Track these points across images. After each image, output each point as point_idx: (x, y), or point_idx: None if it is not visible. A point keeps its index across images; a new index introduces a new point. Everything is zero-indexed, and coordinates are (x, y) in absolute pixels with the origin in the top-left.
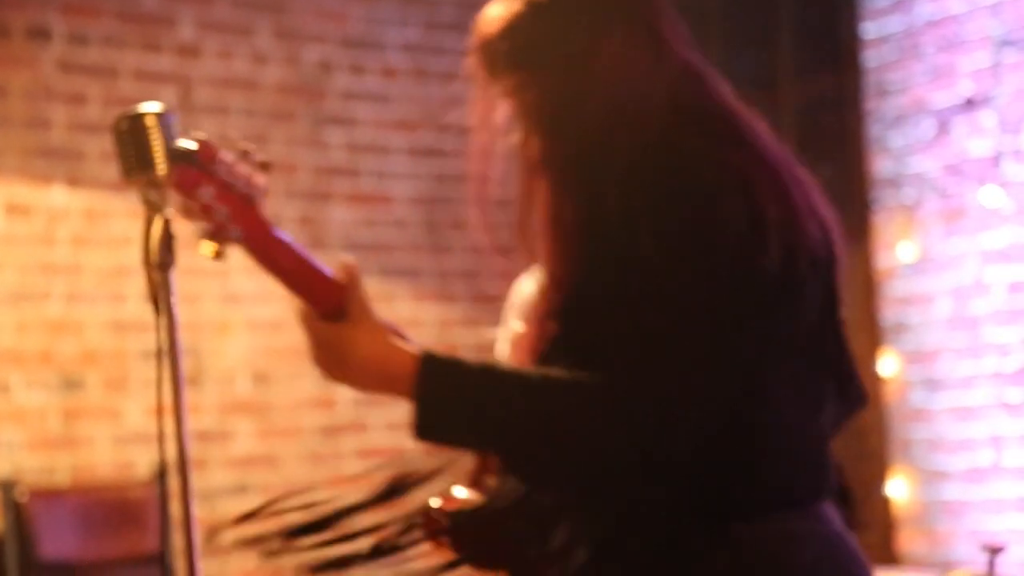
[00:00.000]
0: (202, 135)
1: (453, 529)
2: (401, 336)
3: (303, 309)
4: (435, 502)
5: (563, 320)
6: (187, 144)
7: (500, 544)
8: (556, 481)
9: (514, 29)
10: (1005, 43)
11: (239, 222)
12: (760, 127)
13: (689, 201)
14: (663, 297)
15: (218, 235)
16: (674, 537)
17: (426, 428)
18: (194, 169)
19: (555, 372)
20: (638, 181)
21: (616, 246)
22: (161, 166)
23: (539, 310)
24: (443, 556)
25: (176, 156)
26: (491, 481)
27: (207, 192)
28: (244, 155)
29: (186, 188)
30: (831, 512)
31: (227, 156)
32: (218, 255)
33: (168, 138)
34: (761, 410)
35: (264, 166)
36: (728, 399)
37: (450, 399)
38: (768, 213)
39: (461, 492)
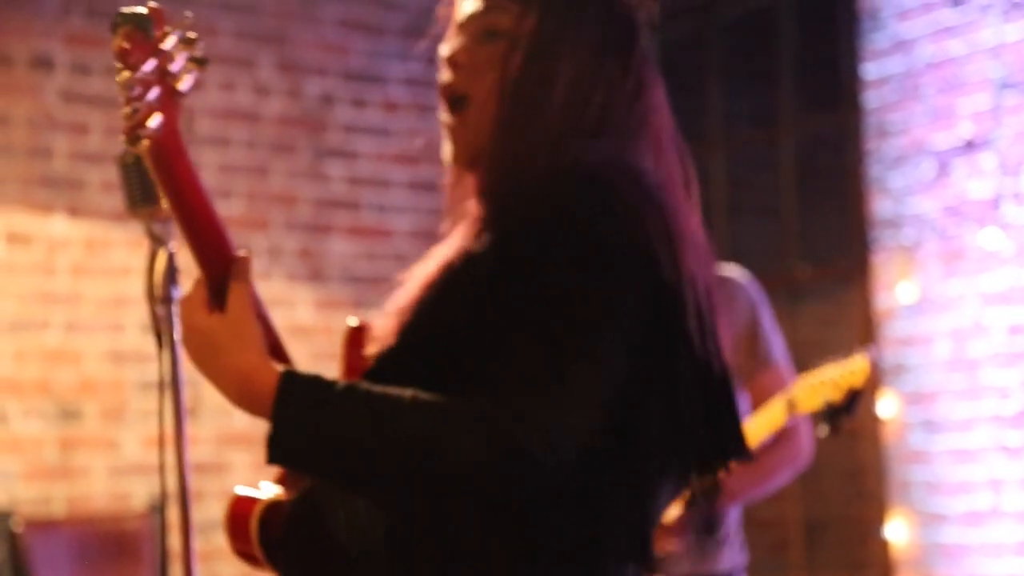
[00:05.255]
0: (154, 3)
1: (259, 524)
2: (279, 345)
3: (191, 290)
4: (241, 490)
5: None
6: (139, 8)
7: (302, 546)
8: (410, 505)
9: None
10: (1005, 86)
11: (163, 111)
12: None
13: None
14: (549, 333)
15: (141, 120)
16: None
17: (281, 453)
18: (147, 38)
19: (419, 395)
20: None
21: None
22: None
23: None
24: (242, 551)
25: (129, 19)
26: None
27: (150, 67)
28: (188, 41)
29: (134, 57)
30: None
31: (174, 33)
32: (135, 143)
33: None
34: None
35: (201, 62)
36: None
37: (307, 426)
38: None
39: (269, 487)
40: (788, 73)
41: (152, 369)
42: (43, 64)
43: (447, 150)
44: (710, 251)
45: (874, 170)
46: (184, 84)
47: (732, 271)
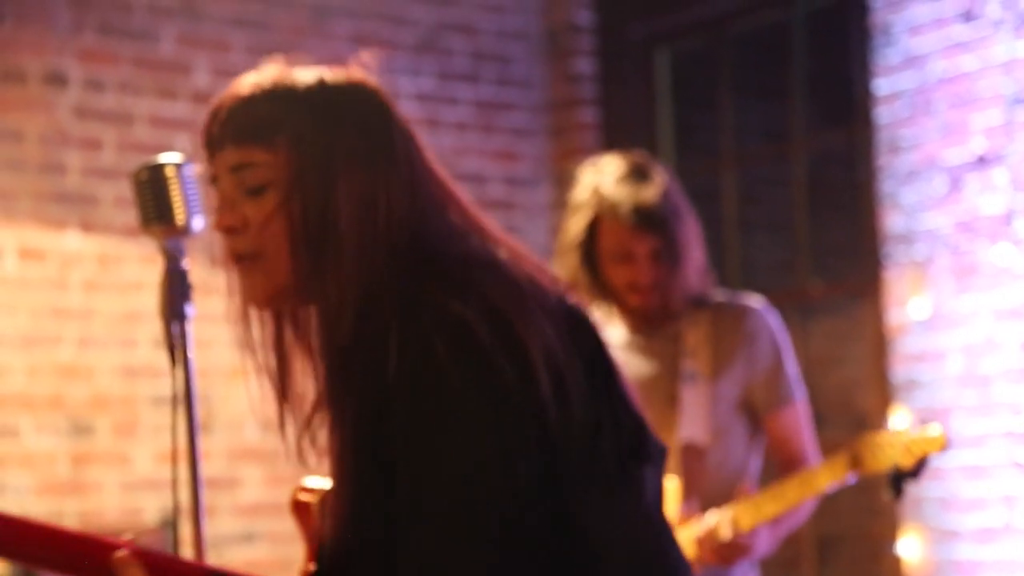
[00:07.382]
0: None
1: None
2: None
3: None
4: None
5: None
6: None
7: None
8: None
9: (288, 99)
10: (1017, 101)
11: None
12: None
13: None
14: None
15: None
16: None
17: None
18: None
19: None
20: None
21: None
22: (180, 216)
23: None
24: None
25: None
26: None
27: None
28: None
29: None
30: None
31: None
32: None
33: (186, 188)
34: (588, 549)
35: None
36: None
37: None
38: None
39: (317, 481)
40: (800, 89)
41: (165, 384)
42: (56, 80)
43: (240, 295)
44: (543, 285)
45: (886, 185)
46: None
47: (753, 301)
